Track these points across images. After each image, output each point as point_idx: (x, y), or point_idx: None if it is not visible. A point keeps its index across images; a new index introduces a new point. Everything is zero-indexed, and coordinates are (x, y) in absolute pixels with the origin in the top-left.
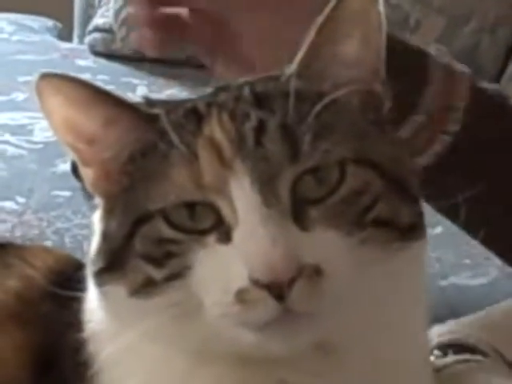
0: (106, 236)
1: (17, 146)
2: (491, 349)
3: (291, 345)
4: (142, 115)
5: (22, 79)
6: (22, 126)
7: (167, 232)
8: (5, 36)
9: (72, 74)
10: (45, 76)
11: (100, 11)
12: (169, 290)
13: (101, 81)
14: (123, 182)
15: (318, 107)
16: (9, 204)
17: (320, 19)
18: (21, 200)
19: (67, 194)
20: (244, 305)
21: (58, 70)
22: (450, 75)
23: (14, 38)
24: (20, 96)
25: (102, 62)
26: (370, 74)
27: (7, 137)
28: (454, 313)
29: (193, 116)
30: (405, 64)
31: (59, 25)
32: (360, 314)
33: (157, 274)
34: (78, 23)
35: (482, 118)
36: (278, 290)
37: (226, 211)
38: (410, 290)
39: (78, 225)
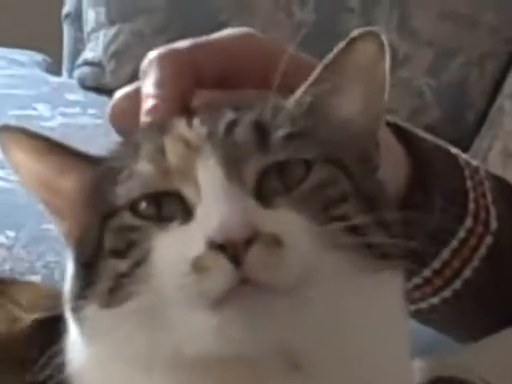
0: (77, 261)
1: (6, 180)
2: (479, 379)
3: (253, 331)
4: (92, 160)
5: (12, 113)
6: None
7: (130, 220)
8: None
9: (62, 108)
10: (4, 129)
11: (89, 45)
12: (134, 288)
13: (90, 115)
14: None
15: (289, 107)
16: None
17: (325, 61)
18: (10, 234)
19: (52, 228)
20: (200, 273)
21: (49, 104)
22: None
23: (3, 72)
24: None
25: (92, 96)
26: (364, 136)
27: None
28: (432, 348)
29: (158, 129)
30: (448, 184)
31: (48, 59)
32: (327, 321)
33: (122, 265)
34: (67, 57)
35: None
36: (233, 252)
37: (190, 194)
38: (388, 317)
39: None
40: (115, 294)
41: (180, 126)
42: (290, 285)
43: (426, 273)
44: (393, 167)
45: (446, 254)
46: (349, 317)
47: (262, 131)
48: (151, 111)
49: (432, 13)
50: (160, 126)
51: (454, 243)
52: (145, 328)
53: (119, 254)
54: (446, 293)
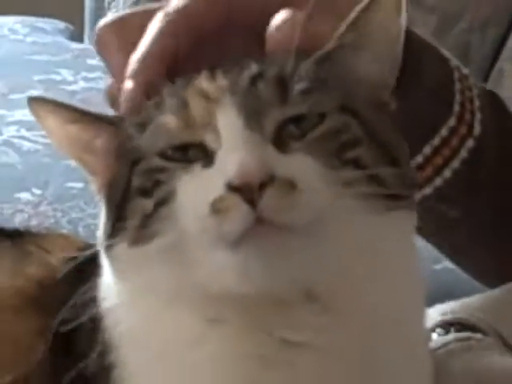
0: (110, 195)
1: (32, 141)
2: (491, 329)
3: (275, 270)
4: (116, 120)
5: (36, 78)
6: (36, 124)
7: (157, 162)
8: (20, 37)
9: (84, 72)
10: (35, 100)
11: (110, 13)
12: (159, 227)
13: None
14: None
15: (310, 62)
16: (25, 195)
17: (351, 17)
18: (37, 192)
19: (80, 185)
20: (219, 215)
21: (71, 69)
22: (470, 106)
23: (29, 39)
24: (35, 93)
25: None
26: (380, 87)
27: (23, 132)
28: (450, 295)
29: (182, 83)
30: (436, 80)
31: (70, 27)
32: (350, 258)
33: (148, 204)
34: (88, 25)
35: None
36: (249, 194)
37: (211, 142)
38: (399, 256)
39: (90, 214)
40: (142, 233)
41: (202, 79)
42: (303, 225)
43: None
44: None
45: (427, 150)
46: (361, 253)
47: (282, 86)
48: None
49: None
50: (184, 80)
51: (436, 140)
52: (171, 265)
53: (145, 192)
54: (446, 172)
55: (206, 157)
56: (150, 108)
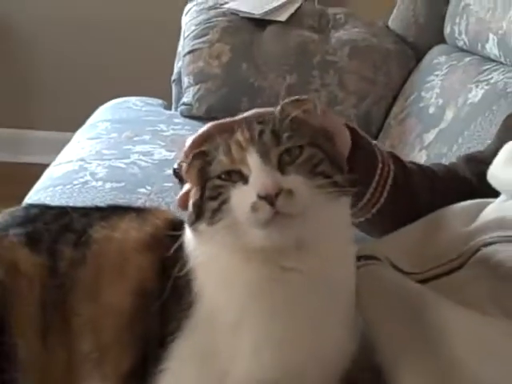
0: (195, 202)
1: (146, 162)
2: (383, 256)
3: (282, 236)
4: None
5: (147, 129)
6: (148, 152)
7: (218, 182)
8: (138, 108)
9: (172, 126)
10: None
11: (185, 95)
12: (222, 215)
13: (186, 129)
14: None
15: (287, 120)
16: (142, 190)
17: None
18: (148, 188)
19: (171, 184)
20: (254, 211)
21: (165, 124)
22: (385, 174)
23: (144, 108)
24: (147, 137)
25: (187, 120)
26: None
27: (141, 157)
28: (362, 241)
29: (228, 135)
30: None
31: (165, 102)
32: (318, 226)
33: (214, 204)
34: (174, 101)
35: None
36: (270, 200)
37: (245, 170)
38: (343, 222)
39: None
40: (213, 219)
41: (238, 134)
42: (298, 213)
43: (364, 199)
44: (346, 145)
45: (369, 193)
46: (326, 222)
47: (276, 135)
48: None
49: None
50: (229, 133)
51: (371, 189)
52: (229, 234)
53: (213, 198)
54: (374, 210)
55: (243, 179)
56: (213, 151)
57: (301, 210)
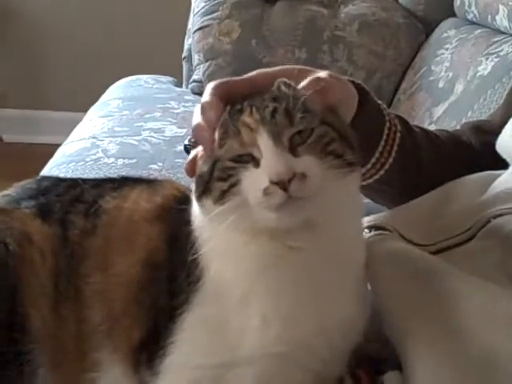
0: (201, 175)
1: (157, 139)
2: (393, 228)
3: (294, 218)
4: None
5: (158, 106)
6: (159, 129)
7: (228, 163)
8: (149, 86)
9: (183, 103)
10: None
11: (196, 72)
12: (231, 197)
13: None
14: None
15: (302, 99)
16: (154, 166)
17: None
18: (160, 164)
19: (182, 161)
20: (267, 195)
21: (176, 101)
22: (393, 134)
23: (155, 86)
24: (158, 114)
25: (198, 97)
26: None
27: (152, 134)
28: (370, 213)
29: (238, 111)
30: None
31: (175, 79)
32: (328, 205)
33: (224, 185)
34: (185, 79)
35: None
36: (283, 185)
37: (256, 153)
38: (353, 199)
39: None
40: (221, 199)
41: (245, 114)
42: (311, 195)
43: (373, 159)
44: (352, 107)
45: (377, 152)
46: (337, 200)
47: (290, 115)
48: (196, 129)
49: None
50: (235, 114)
51: (380, 148)
52: (236, 214)
53: (222, 179)
54: (381, 172)
55: (254, 161)
56: (222, 134)
57: (313, 192)
